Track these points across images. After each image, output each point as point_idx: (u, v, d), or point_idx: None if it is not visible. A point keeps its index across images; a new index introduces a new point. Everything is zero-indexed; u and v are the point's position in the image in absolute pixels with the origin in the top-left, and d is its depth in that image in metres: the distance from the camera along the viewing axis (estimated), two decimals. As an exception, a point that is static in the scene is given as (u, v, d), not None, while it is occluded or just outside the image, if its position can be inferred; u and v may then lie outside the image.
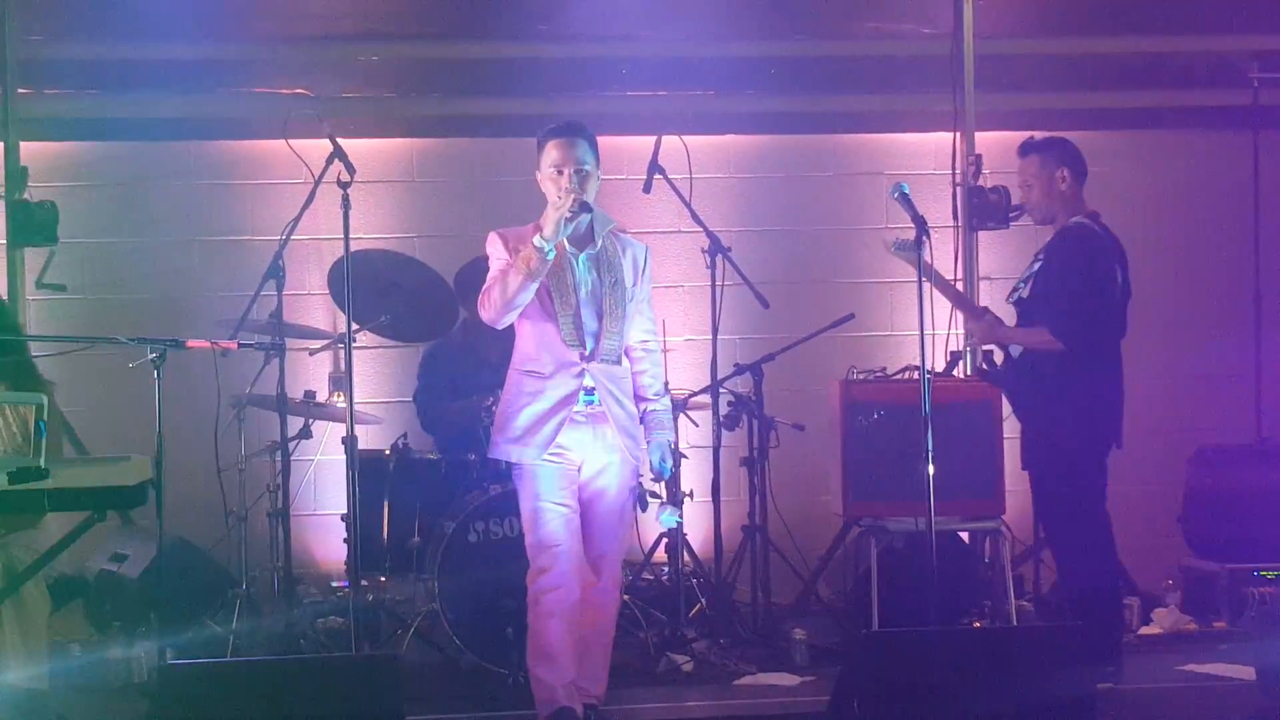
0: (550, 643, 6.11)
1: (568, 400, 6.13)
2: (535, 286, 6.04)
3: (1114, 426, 7.07)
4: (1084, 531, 6.99)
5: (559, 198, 6.04)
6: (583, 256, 6.18)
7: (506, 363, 6.35)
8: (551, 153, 6.15)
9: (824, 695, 6.32)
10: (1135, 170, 9.35)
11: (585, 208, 6.05)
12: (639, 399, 6.34)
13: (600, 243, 6.23)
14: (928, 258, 6.30)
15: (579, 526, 6.18)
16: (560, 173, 6.11)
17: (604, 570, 6.25)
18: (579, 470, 6.21)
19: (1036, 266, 7.16)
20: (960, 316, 7.93)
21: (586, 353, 6.15)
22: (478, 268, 6.18)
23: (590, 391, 6.16)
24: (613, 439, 6.19)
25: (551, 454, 6.13)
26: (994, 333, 7.34)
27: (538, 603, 6.13)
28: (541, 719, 6.11)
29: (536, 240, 5.98)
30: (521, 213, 6.24)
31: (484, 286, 6.16)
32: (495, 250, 6.18)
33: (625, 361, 6.31)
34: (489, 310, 6.14)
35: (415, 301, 8.06)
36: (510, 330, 6.29)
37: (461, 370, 8.00)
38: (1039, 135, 7.37)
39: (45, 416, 5.14)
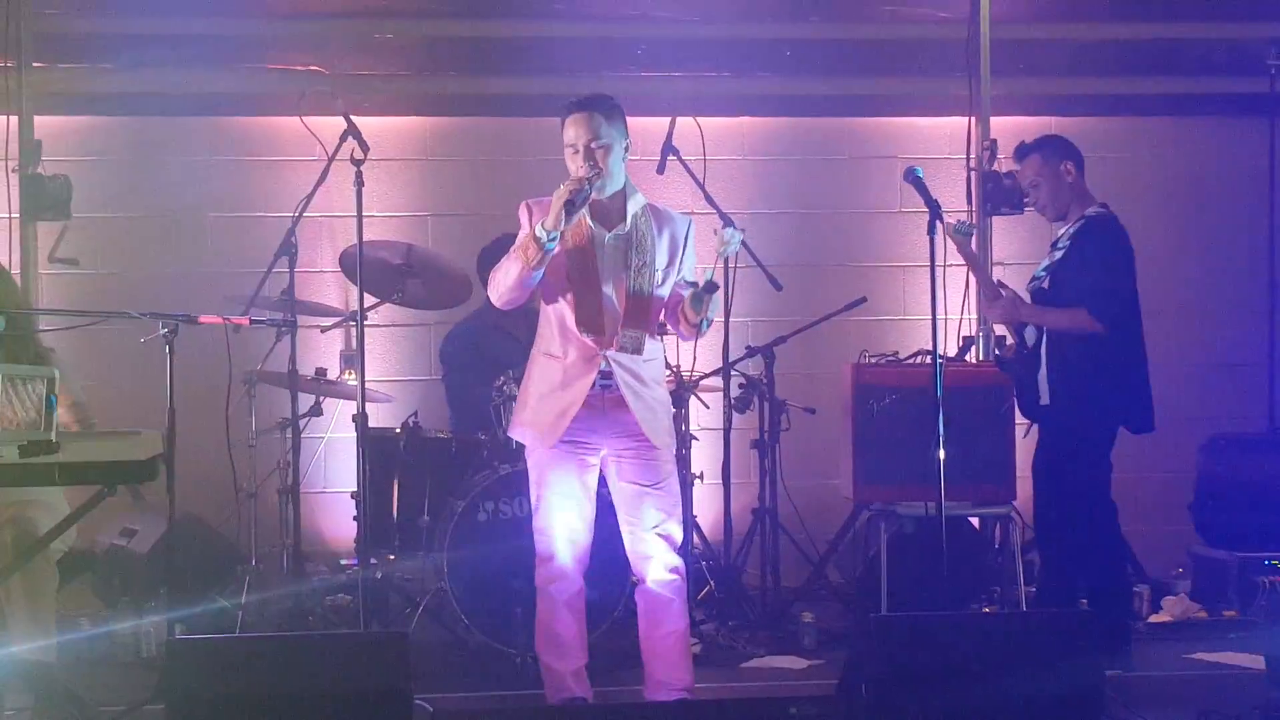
0: (557, 631, 6.03)
1: (581, 388, 5.85)
2: (537, 276, 5.73)
3: (1145, 413, 7.00)
4: (1097, 519, 6.94)
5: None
6: (609, 237, 5.88)
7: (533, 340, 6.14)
8: (566, 130, 5.83)
9: (831, 679, 6.31)
10: (1151, 156, 9.35)
11: (584, 194, 5.66)
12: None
13: (630, 222, 5.90)
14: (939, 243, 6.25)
15: (590, 516, 6.01)
16: (576, 151, 5.78)
17: (649, 566, 5.97)
18: (600, 458, 5.99)
19: (1058, 256, 7.05)
20: (976, 301, 7.88)
21: (606, 340, 5.86)
22: (501, 246, 6.03)
23: (607, 377, 5.87)
24: (633, 426, 5.92)
25: (563, 441, 5.91)
26: (1015, 312, 7.04)
27: (542, 592, 6.04)
28: (551, 703, 6.06)
29: (538, 230, 5.64)
30: (535, 192, 6.01)
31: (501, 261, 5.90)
32: (522, 222, 5.84)
33: (650, 346, 5.95)
34: (491, 289, 5.92)
35: (429, 280, 8.00)
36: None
37: (487, 348, 7.95)
38: (1028, 139, 7.28)
39: (56, 390, 5.13)
